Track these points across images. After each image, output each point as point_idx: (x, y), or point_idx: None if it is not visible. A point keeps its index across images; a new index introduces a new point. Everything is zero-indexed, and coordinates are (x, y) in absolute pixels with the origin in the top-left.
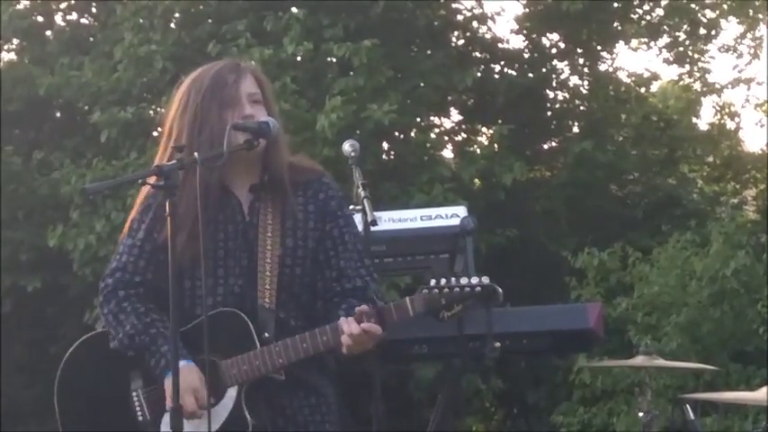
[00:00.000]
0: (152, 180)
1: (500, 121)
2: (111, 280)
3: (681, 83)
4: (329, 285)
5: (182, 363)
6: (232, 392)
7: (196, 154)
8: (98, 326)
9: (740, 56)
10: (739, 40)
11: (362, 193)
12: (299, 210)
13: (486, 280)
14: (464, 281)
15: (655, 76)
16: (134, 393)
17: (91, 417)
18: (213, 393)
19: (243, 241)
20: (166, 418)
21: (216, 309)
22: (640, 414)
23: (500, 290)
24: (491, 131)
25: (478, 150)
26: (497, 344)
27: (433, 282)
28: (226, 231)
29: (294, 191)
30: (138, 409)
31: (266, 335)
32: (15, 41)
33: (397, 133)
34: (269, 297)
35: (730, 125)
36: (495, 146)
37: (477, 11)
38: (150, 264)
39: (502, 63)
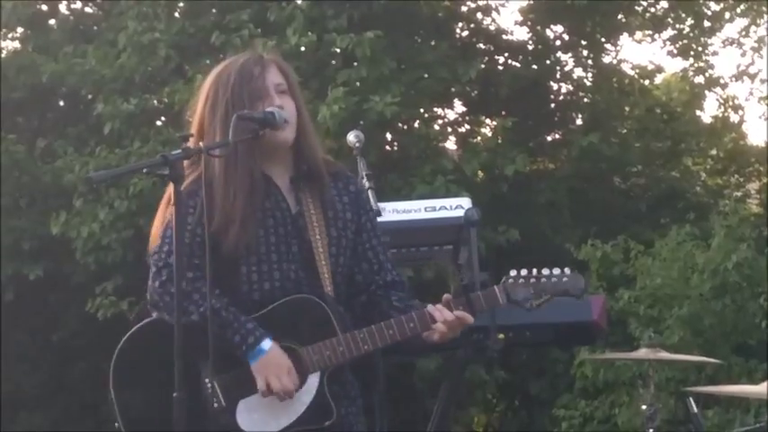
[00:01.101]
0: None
1: (504, 113)
2: (171, 260)
3: (684, 76)
4: (370, 278)
5: (266, 343)
6: (314, 379)
7: (201, 143)
8: (102, 316)
9: (744, 54)
10: (743, 33)
11: (367, 184)
12: (336, 200)
13: (568, 271)
14: (547, 271)
15: (659, 69)
16: (207, 381)
17: (155, 407)
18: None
19: (293, 228)
20: (242, 405)
21: (274, 294)
22: (643, 407)
23: (584, 279)
24: (495, 123)
25: (482, 142)
26: (501, 336)
27: (514, 272)
28: (275, 218)
29: (328, 182)
30: (212, 397)
31: (337, 323)
32: (19, 30)
33: (400, 125)
34: (330, 286)
35: (734, 118)
36: (499, 138)
37: (481, 2)
38: (201, 249)
39: (506, 55)
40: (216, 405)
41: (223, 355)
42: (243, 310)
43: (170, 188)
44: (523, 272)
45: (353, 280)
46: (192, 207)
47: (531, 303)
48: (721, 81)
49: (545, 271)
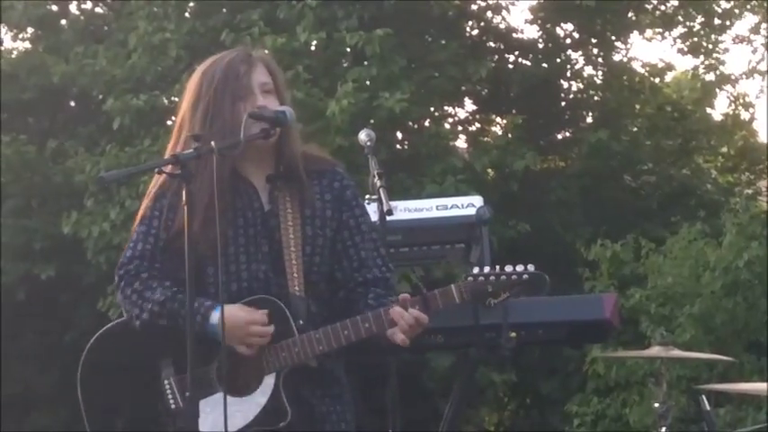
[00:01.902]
0: (168, 169)
1: (514, 112)
2: (133, 266)
3: (695, 73)
4: (350, 276)
5: (215, 313)
6: (269, 380)
7: (213, 143)
8: (114, 315)
9: (755, 51)
10: (755, 31)
11: (378, 183)
12: (316, 198)
13: (532, 268)
14: (509, 268)
15: (669, 67)
16: (165, 382)
17: (120, 408)
18: (249, 381)
19: (263, 228)
20: (202, 406)
21: (241, 294)
22: (655, 405)
23: (547, 277)
24: (505, 122)
25: (492, 141)
26: (513, 334)
27: (476, 269)
28: (245, 217)
29: (309, 180)
30: (170, 397)
31: (300, 322)
32: (30, 30)
33: (410, 123)
34: (298, 285)
35: (744, 116)
36: (509, 135)
37: (491, 1)
38: (166, 251)
39: (516, 53)
40: (173, 406)
41: (182, 355)
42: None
43: (157, 182)
44: (486, 269)
45: (334, 277)
46: (158, 210)
47: (489, 302)
48: (732, 78)
49: (508, 268)
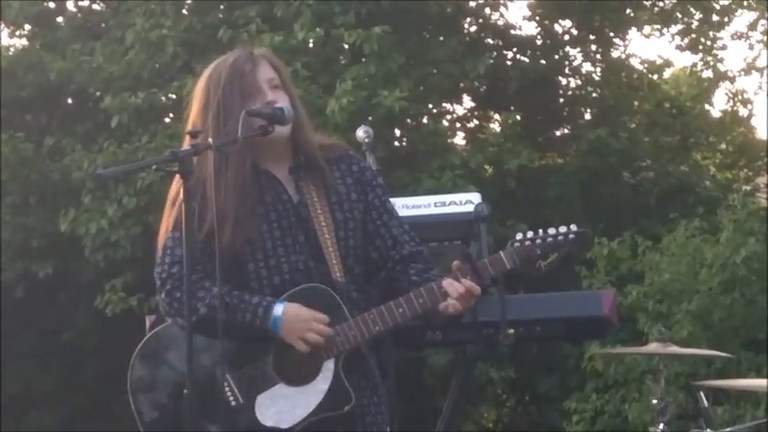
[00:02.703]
0: (167, 166)
1: (512, 108)
2: (176, 270)
3: (693, 70)
4: (386, 254)
5: (279, 306)
6: (329, 365)
7: (210, 139)
8: (111, 313)
9: (751, 47)
10: (754, 26)
11: None
12: (338, 184)
13: (574, 227)
14: (553, 230)
15: (667, 63)
16: (224, 383)
17: (174, 409)
18: (308, 368)
19: (297, 219)
20: (260, 400)
21: (285, 287)
22: (654, 401)
23: (590, 233)
24: (503, 118)
25: (489, 137)
26: (511, 331)
27: (519, 235)
28: (277, 211)
29: (329, 167)
30: (229, 394)
31: (348, 307)
32: (27, 27)
33: (409, 120)
34: (339, 271)
35: (743, 112)
36: (507, 133)
37: None
38: (204, 254)
39: (514, 50)
40: (234, 403)
41: (237, 350)
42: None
43: (174, 187)
44: (529, 233)
45: (370, 258)
46: (189, 213)
47: (539, 264)
48: (730, 75)
49: (551, 230)
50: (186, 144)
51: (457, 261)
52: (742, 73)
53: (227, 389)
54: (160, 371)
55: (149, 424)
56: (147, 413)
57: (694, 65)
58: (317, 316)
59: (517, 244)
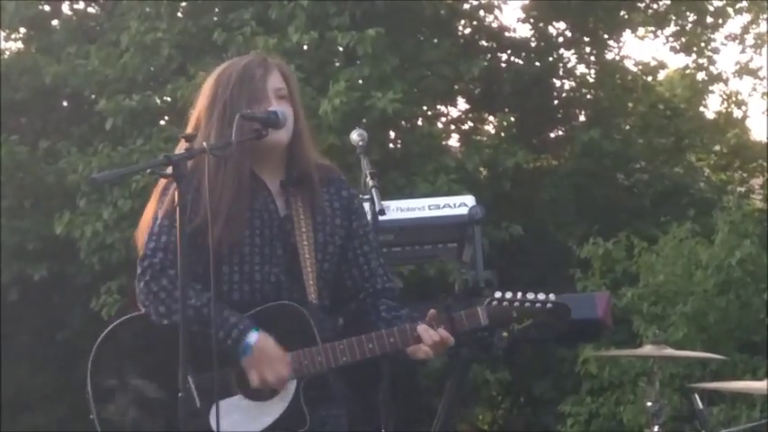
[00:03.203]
0: (161, 170)
1: (506, 110)
2: (157, 259)
3: (687, 71)
4: (360, 285)
5: (254, 333)
6: (291, 386)
7: (205, 143)
8: (107, 316)
9: (743, 51)
10: (747, 29)
11: (370, 183)
12: (326, 206)
13: (553, 297)
14: (531, 296)
15: (662, 65)
16: (183, 381)
17: (132, 400)
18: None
19: (279, 231)
20: (215, 410)
21: (253, 296)
22: (648, 403)
23: (570, 308)
24: (497, 120)
25: (484, 139)
26: (505, 333)
27: (498, 294)
28: (262, 219)
29: (320, 187)
30: (189, 397)
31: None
32: (22, 30)
33: (403, 123)
34: (314, 293)
35: (737, 114)
36: (502, 135)
37: (483, 0)
38: (191, 246)
39: (508, 52)
40: (199, 405)
41: (204, 355)
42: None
43: (161, 182)
44: (508, 294)
45: (344, 286)
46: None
47: (513, 326)
48: (724, 77)
49: (530, 295)
50: (180, 147)
51: (433, 310)
52: (736, 75)
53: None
54: (124, 361)
55: (106, 414)
56: (103, 403)
57: (687, 66)
58: (283, 358)
59: (495, 302)
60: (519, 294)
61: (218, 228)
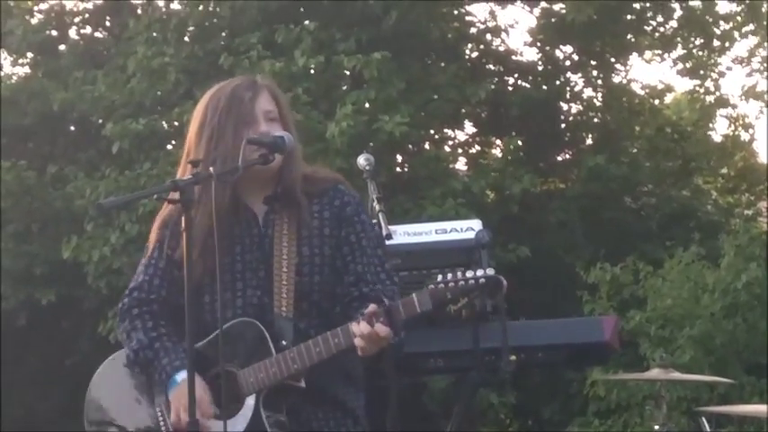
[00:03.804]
0: (168, 195)
1: (514, 134)
2: (128, 299)
3: (694, 95)
4: (347, 290)
5: (179, 376)
6: (250, 401)
7: (212, 168)
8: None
9: (750, 74)
10: (753, 52)
11: (377, 207)
12: (314, 217)
13: (491, 271)
14: (469, 273)
15: (669, 88)
16: (158, 409)
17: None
18: (231, 404)
19: (259, 253)
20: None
21: (234, 320)
22: (656, 427)
23: (504, 281)
24: (504, 144)
25: (491, 163)
26: (513, 357)
27: (439, 277)
28: (243, 244)
29: (309, 200)
30: (162, 423)
31: (284, 342)
32: (29, 55)
33: (410, 146)
34: (286, 306)
35: (744, 137)
36: (509, 158)
37: (490, 23)
38: (164, 281)
39: (515, 75)
40: (163, 430)
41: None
42: (203, 338)
43: (163, 211)
44: (448, 276)
45: (334, 293)
46: (160, 241)
47: (450, 308)
48: (731, 101)
49: (468, 273)
50: (182, 171)
51: (373, 305)
52: (743, 98)
53: (160, 419)
54: (111, 397)
55: None
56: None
57: (695, 90)
58: (204, 401)
59: (431, 286)
60: (457, 274)
61: (194, 257)
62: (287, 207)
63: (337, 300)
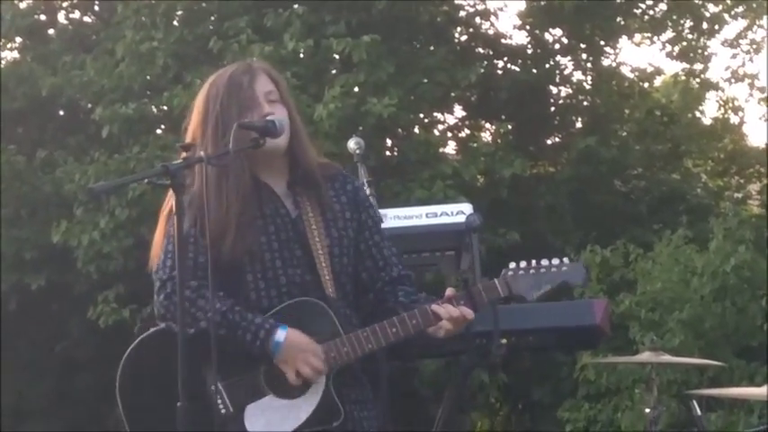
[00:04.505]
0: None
1: (503, 117)
2: (176, 273)
3: (683, 78)
4: (376, 276)
5: (281, 331)
6: (321, 379)
7: (202, 152)
8: (103, 324)
9: (735, 56)
10: (743, 34)
11: (368, 191)
12: (333, 202)
13: (567, 260)
14: (546, 262)
15: (658, 71)
16: (212, 387)
17: (161, 414)
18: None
19: (294, 233)
20: (249, 410)
21: (282, 299)
22: (647, 410)
23: (586, 268)
24: (494, 127)
25: (481, 147)
26: (504, 341)
27: (513, 264)
28: (275, 224)
29: (325, 184)
30: (219, 402)
31: (352, 322)
32: (18, 40)
33: (400, 130)
34: (332, 288)
35: (734, 120)
36: (498, 142)
37: (479, 6)
38: (206, 260)
39: (505, 59)
40: (223, 411)
41: (229, 360)
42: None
43: (169, 199)
44: (523, 263)
45: (360, 278)
46: (192, 220)
47: (532, 294)
48: (720, 83)
49: (544, 261)
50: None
51: (450, 288)
52: (732, 80)
53: (218, 398)
54: (151, 375)
55: (138, 428)
56: (135, 418)
57: (684, 72)
58: (315, 349)
59: (510, 273)
60: (533, 262)
61: (230, 239)
62: (307, 190)
63: (365, 286)
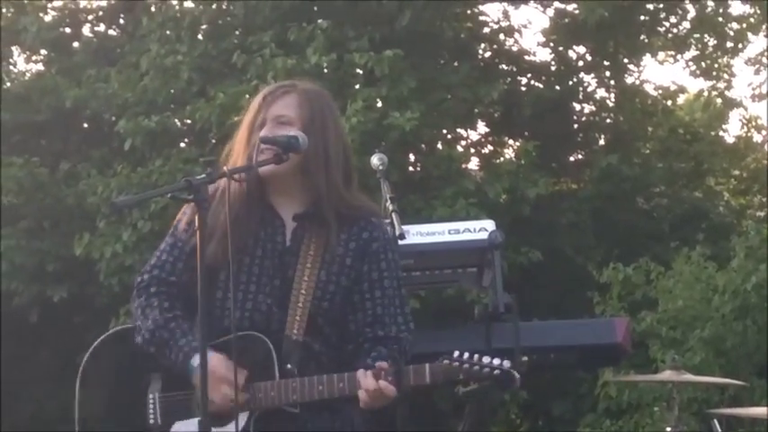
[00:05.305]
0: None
1: (526, 134)
2: (147, 276)
3: (706, 96)
4: (361, 330)
5: (195, 359)
6: (242, 417)
7: (225, 167)
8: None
9: (757, 72)
10: (765, 53)
11: (390, 207)
12: (339, 244)
13: (507, 364)
14: (486, 360)
15: (681, 89)
16: (150, 396)
17: (107, 410)
18: (225, 414)
19: (279, 263)
20: (176, 427)
21: (242, 323)
22: (668, 428)
23: (518, 377)
24: (517, 144)
25: (504, 165)
26: (525, 358)
27: (456, 353)
28: (264, 249)
29: (340, 225)
30: (150, 412)
31: (288, 366)
32: (43, 52)
33: (423, 146)
34: (297, 328)
35: (757, 138)
36: (522, 161)
37: (503, 23)
38: (187, 267)
39: (528, 75)
40: (152, 421)
41: (174, 374)
42: (212, 335)
43: (180, 213)
44: (465, 355)
45: (347, 329)
46: (189, 224)
47: (458, 389)
48: (743, 102)
49: (485, 359)
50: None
51: (383, 362)
52: (756, 99)
53: (150, 407)
54: (108, 370)
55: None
56: (84, 408)
57: (708, 90)
58: (229, 380)
59: (446, 362)
60: (474, 357)
61: (212, 246)
62: (317, 227)
63: (349, 337)
